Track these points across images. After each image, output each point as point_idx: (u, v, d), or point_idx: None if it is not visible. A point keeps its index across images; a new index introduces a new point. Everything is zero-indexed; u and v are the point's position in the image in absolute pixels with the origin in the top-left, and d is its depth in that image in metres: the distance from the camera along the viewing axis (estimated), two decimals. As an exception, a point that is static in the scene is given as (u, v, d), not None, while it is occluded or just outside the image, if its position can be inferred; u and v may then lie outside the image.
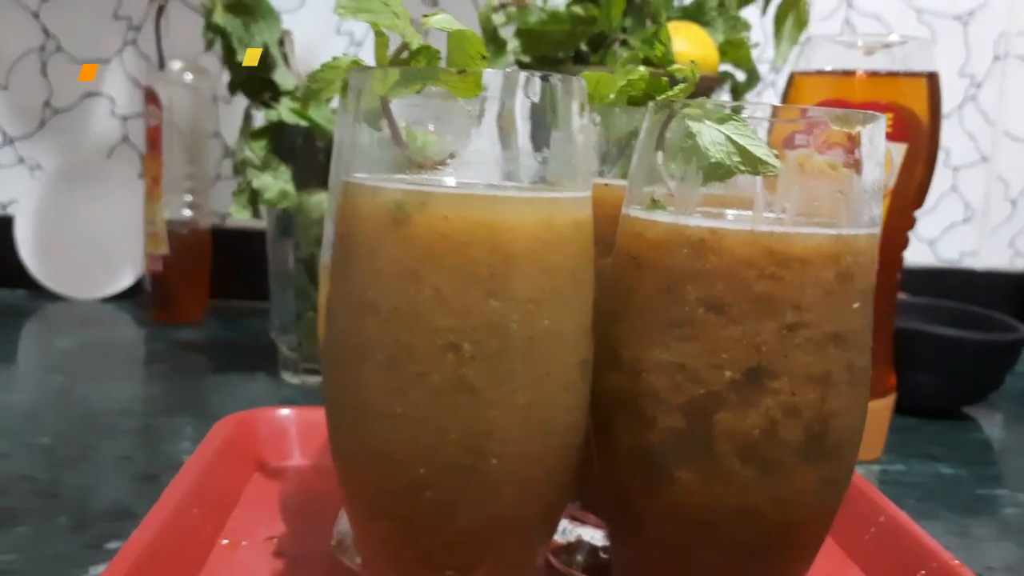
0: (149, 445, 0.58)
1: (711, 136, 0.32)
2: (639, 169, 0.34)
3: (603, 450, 0.33)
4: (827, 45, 0.60)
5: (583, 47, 0.61)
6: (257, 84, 0.67)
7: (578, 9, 0.60)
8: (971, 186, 1.02)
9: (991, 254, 1.03)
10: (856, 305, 0.30)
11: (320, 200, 0.68)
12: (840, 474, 0.31)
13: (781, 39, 0.72)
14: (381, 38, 0.41)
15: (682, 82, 0.36)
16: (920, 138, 0.58)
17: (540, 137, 0.31)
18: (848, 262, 0.30)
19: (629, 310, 0.32)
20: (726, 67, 0.67)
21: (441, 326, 0.29)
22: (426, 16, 0.30)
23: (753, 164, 0.32)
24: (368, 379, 0.30)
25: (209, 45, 0.67)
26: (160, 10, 0.65)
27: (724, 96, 0.65)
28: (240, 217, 0.67)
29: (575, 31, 0.60)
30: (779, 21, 0.73)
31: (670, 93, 0.34)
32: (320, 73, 0.41)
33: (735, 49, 0.64)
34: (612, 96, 0.35)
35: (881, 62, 0.58)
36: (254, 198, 0.67)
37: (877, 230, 0.31)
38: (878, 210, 0.31)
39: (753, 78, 0.67)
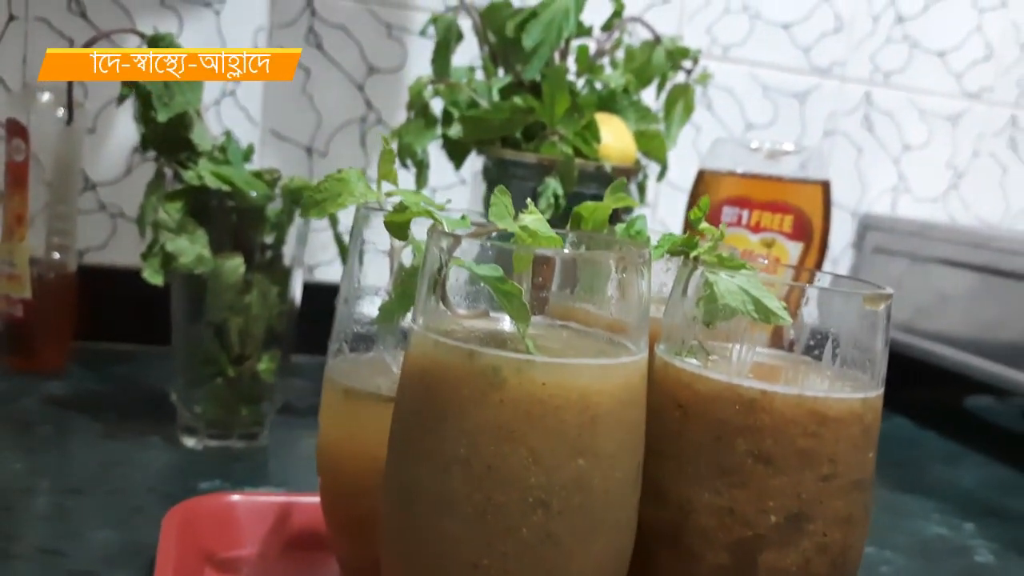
0: (71, 534, 0.54)
1: (727, 286, 0.36)
2: (671, 317, 0.37)
3: (643, 579, 0.36)
4: (733, 147, 0.66)
5: (517, 134, 0.64)
6: (174, 143, 0.65)
7: (517, 99, 0.62)
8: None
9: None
10: (871, 454, 0.35)
11: (236, 265, 0.66)
12: (849, 595, 0.36)
13: (671, 123, 0.78)
14: (388, 154, 0.42)
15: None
16: (813, 238, 0.65)
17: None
18: (869, 419, 0.35)
19: (676, 452, 0.35)
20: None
21: (533, 484, 0.31)
22: (523, 211, 0.32)
23: (766, 314, 0.36)
24: (453, 531, 0.31)
25: (122, 99, 0.64)
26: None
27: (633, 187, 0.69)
28: (154, 282, 0.64)
29: (513, 119, 0.62)
30: (669, 107, 0.79)
31: (699, 251, 0.38)
32: (326, 184, 0.42)
33: (648, 140, 0.69)
34: (655, 251, 0.38)
35: (782, 167, 0.65)
36: (167, 262, 0.64)
37: (883, 389, 0.36)
38: (884, 371, 0.36)
39: (664, 170, 0.73)
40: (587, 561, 0.32)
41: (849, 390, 0.34)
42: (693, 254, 0.37)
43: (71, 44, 0.87)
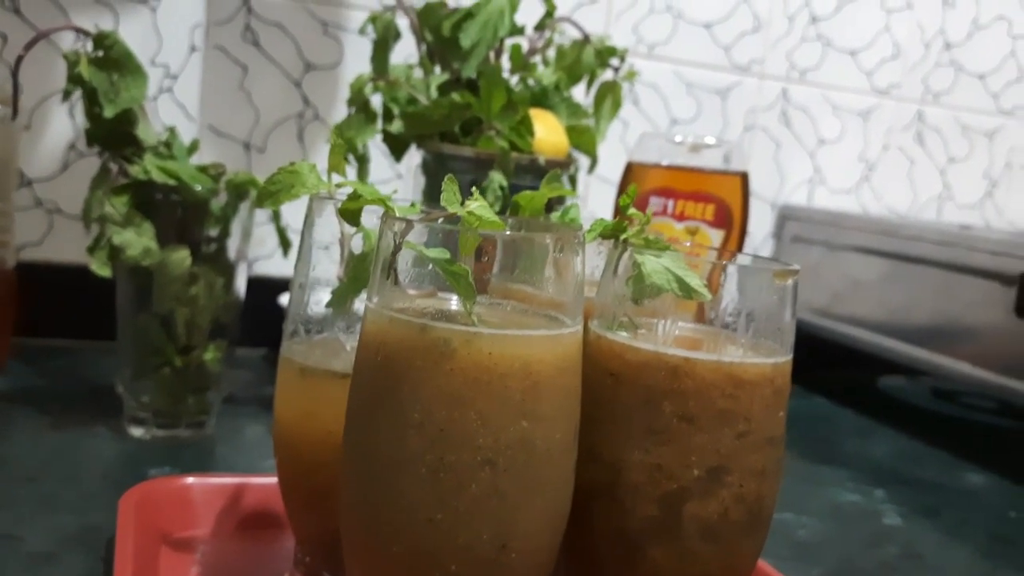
0: (26, 519, 0.56)
1: (653, 265, 0.40)
2: (603, 295, 0.41)
3: (578, 532, 0.40)
4: (659, 141, 0.70)
5: (455, 129, 0.67)
6: (120, 138, 0.66)
7: (455, 96, 0.65)
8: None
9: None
10: (781, 413, 0.39)
11: (182, 257, 0.68)
12: (764, 538, 0.40)
13: (600, 118, 0.82)
14: (339, 147, 0.45)
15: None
16: (733, 226, 0.70)
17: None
18: (780, 382, 0.39)
19: (608, 416, 0.39)
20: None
21: (481, 444, 0.34)
22: (469, 199, 0.35)
23: (688, 291, 0.40)
24: (409, 490, 0.35)
25: (67, 96, 0.65)
26: (19, 60, 0.61)
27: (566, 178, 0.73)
28: (101, 275, 0.65)
29: (451, 115, 0.65)
30: (599, 102, 0.83)
31: (628, 234, 0.41)
32: (278, 176, 0.44)
33: (579, 135, 0.73)
34: (588, 234, 0.41)
35: (704, 160, 0.70)
36: (114, 255, 0.66)
37: (791, 355, 0.40)
38: (792, 340, 0.40)
39: (594, 163, 0.76)
40: (531, 514, 0.35)
41: (762, 356, 0.38)
42: (623, 237, 0.41)
43: (5, 40, 0.87)
